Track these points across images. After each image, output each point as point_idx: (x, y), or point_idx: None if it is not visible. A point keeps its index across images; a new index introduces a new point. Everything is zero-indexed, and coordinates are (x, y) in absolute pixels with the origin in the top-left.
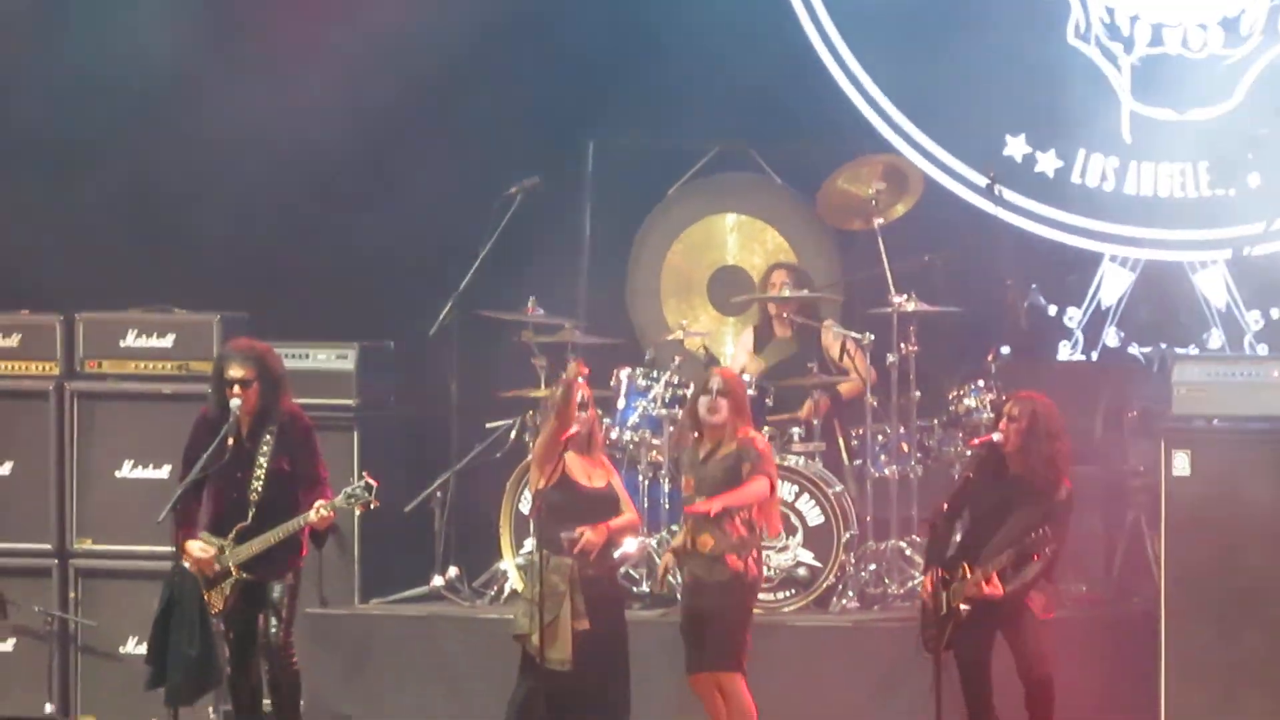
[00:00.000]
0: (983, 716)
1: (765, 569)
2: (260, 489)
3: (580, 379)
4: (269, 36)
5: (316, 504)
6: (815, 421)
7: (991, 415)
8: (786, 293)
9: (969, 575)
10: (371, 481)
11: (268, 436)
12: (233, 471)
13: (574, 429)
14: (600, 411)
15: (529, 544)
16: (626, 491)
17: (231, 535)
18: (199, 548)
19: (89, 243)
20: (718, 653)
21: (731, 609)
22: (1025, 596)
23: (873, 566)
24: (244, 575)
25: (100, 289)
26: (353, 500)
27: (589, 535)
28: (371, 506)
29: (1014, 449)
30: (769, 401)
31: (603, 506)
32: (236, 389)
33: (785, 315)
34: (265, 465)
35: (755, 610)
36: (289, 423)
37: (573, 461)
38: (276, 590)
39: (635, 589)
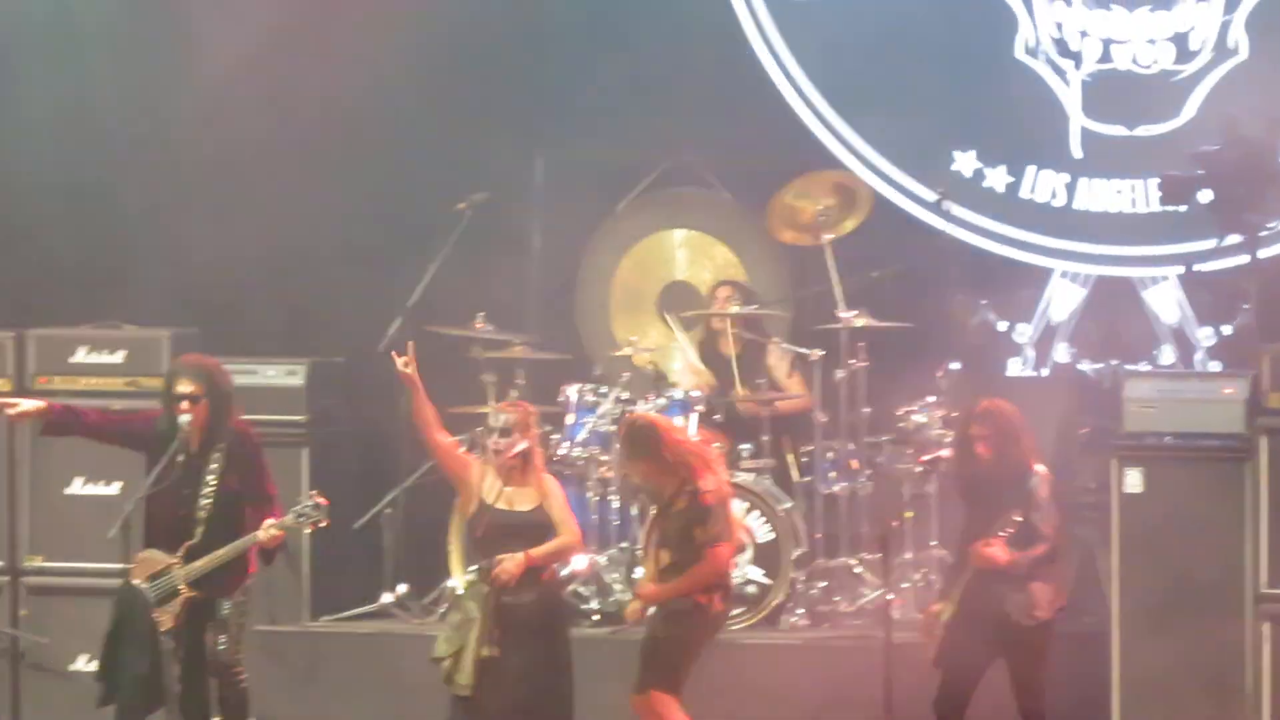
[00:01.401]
0: None
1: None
2: (209, 507)
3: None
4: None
5: (266, 523)
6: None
7: (941, 431)
8: (734, 308)
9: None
10: (321, 500)
11: (216, 454)
12: (180, 489)
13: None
14: (549, 428)
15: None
16: (568, 510)
17: (180, 553)
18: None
19: (38, 258)
20: (650, 670)
21: (684, 634)
22: (1029, 572)
23: (823, 583)
24: (193, 593)
25: (50, 305)
26: (302, 519)
27: (505, 564)
28: (321, 525)
29: (990, 459)
30: (718, 418)
31: (528, 531)
32: (185, 405)
33: (732, 332)
34: (214, 483)
35: None
36: (237, 440)
37: (496, 488)
38: (225, 608)
39: (583, 606)
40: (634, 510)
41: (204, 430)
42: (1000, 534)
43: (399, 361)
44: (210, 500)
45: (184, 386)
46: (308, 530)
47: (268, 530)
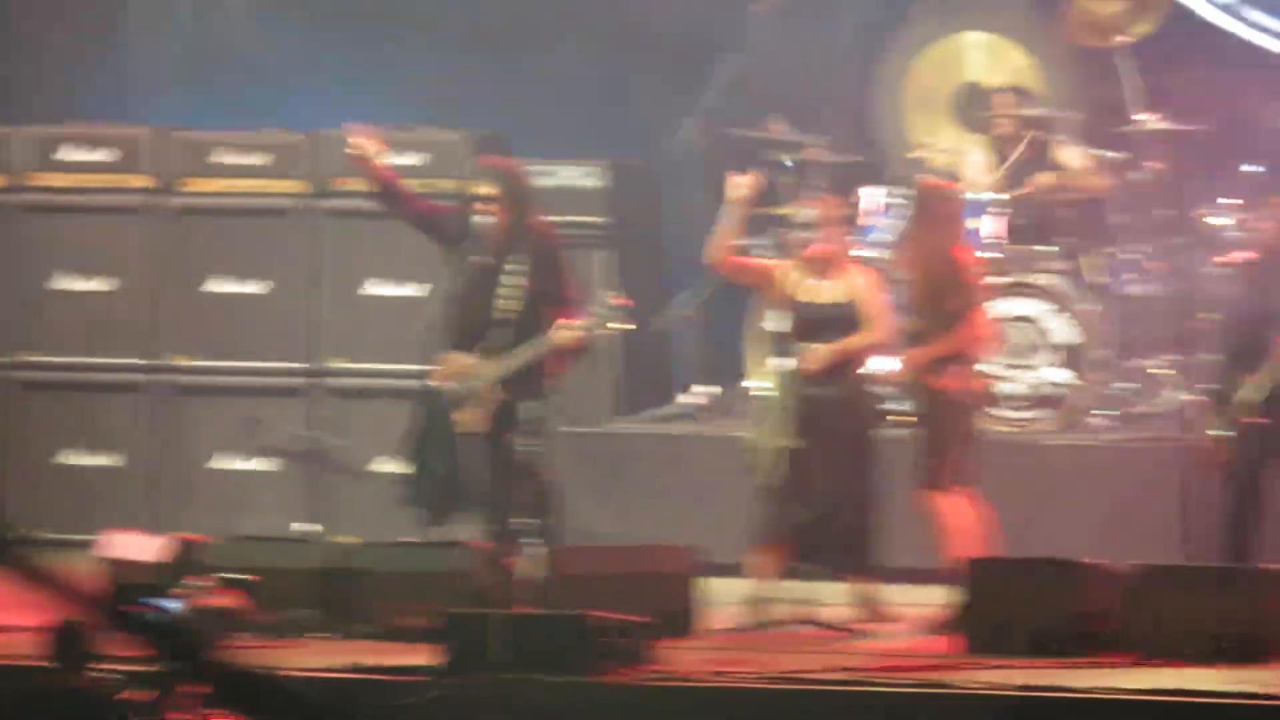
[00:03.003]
0: (1241, 547)
1: (1006, 385)
2: (508, 308)
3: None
4: None
5: (558, 324)
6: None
7: (1240, 233)
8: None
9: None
10: (618, 301)
11: (515, 255)
12: (479, 289)
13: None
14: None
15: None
16: (883, 304)
17: (480, 354)
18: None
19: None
20: (918, 468)
21: (933, 425)
22: None
23: (1123, 385)
24: (496, 394)
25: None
26: (600, 319)
27: (812, 354)
28: (619, 326)
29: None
30: (1015, 220)
31: (839, 324)
32: (488, 205)
33: (1024, 134)
34: (513, 284)
35: (1005, 429)
36: (538, 241)
37: (801, 280)
38: (526, 409)
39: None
40: None
41: (504, 232)
42: None
43: (349, 142)
44: (510, 301)
45: (483, 188)
46: (606, 331)
47: (560, 331)
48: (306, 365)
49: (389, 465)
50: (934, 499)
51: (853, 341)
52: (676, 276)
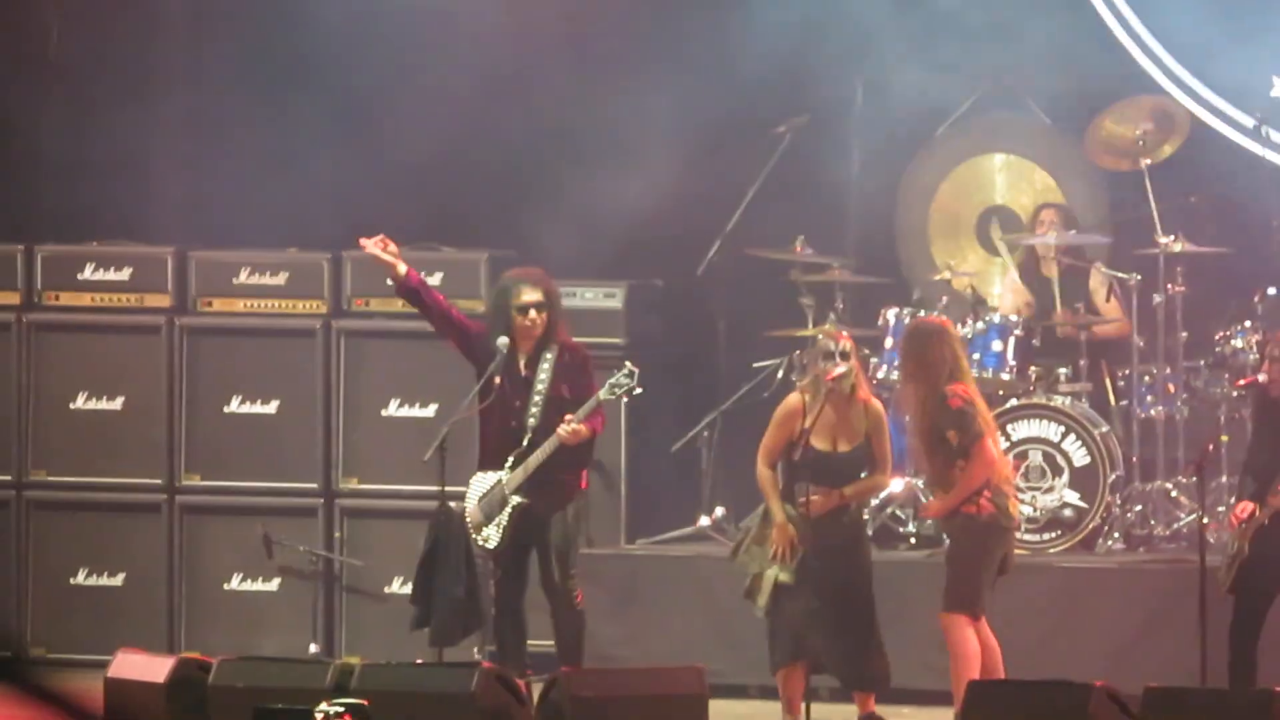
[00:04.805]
0: (1242, 666)
1: (1023, 507)
2: (538, 415)
3: (839, 332)
4: None
5: (566, 419)
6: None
7: (1258, 356)
8: (1053, 234)
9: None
10: (634, 368)
11: (545, 364)
12: (510, 400)
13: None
14: (867, 351)
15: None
16: (886, 443)
17: (508, 464)
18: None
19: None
20: (946, 593)
21: (962, 550)
22: None
23: (1139, 507)
24: (521, 500)
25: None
26: (617, 390)
27: (815, 501)
28: (634, 393)
29: None
30: (1035, 343)
31: (846, 470)
32: (532, 314)
33: (1053, 256)
34: (544, 392)
35: (1020, 551)
36: (568, 351)
37: (821, 423)
38: (556, 528)
39: (900, 529)
40: None
41: (537, 341)
42: None
43: (369, 243)
44: (539, 409)
45: (530, 295)
46: (624, 400)
47: (566, 426)
48: (322, 485)
49: (404, 587)
50: (952, 621)
51: (861, 487)
52: (696, 397)
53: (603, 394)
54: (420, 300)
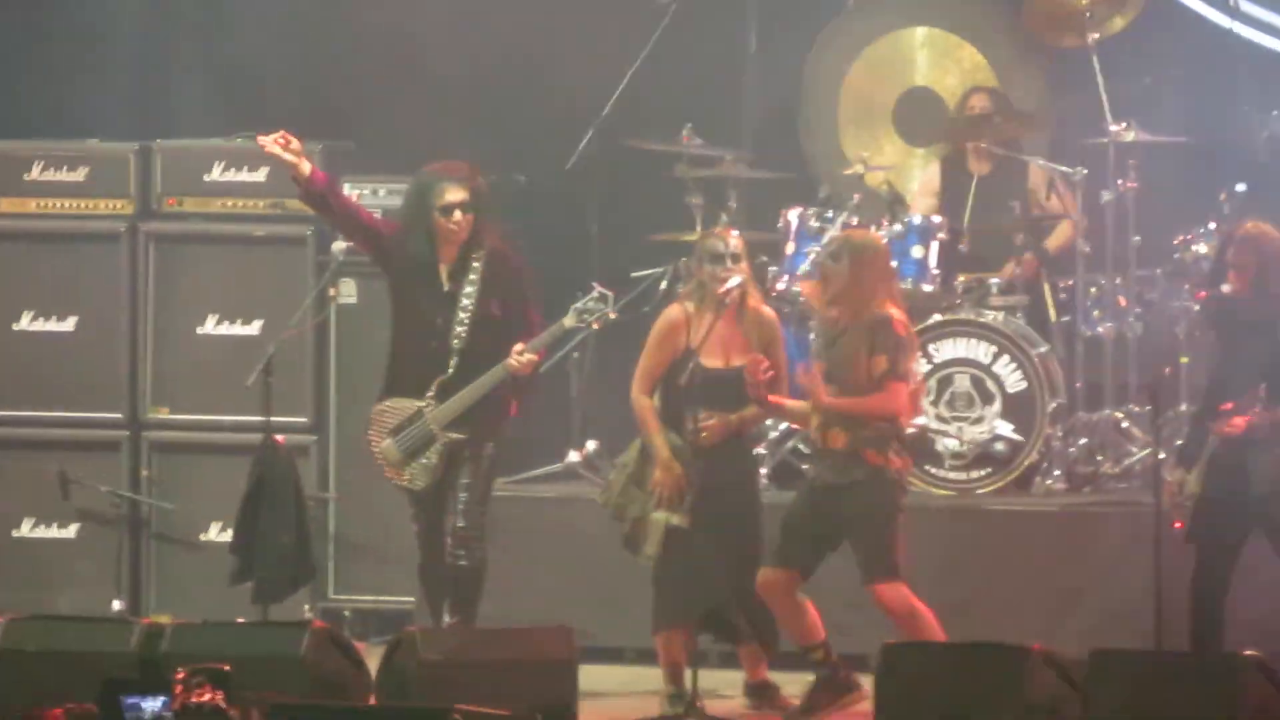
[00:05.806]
0: (1206, 626)
1: (948, 440)
2: (464, 335)
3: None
4: None
5: (516, 348)
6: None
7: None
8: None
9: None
10: (605, 290)
11: (472, 275)
12: (431, 317)
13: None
14: (765, 258)
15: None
16: (783, 359)
17: (432, 391)
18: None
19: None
20: (870, 564)
21: (876, 512)
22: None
23: (1083, 440)
24: (450, 436)
25: (179, 117)
26: (587, 317)
27: (712, 424)
28: (608, 320)
29: (1246, 294)
30: (962, 248)
31: (741, 390)
32: (456, 215)
33: (983, 147)
34: (470, 308)
35: (943, 491)
36: (498, 260)
37: (711, 337)
38: (484, 462)
39: (804, 465)
40: None
41: (463, 247)
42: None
43: (267, 140)
44: (466, 328)
45: (454, 193)
46: (595, 328)
47: (518, 356)
48: (127, 416)
49: (224, 534)
50: (892, 590)
51: (755, 413)
52: (565, 312)
53: (568, 321)
54: (327, 205)
